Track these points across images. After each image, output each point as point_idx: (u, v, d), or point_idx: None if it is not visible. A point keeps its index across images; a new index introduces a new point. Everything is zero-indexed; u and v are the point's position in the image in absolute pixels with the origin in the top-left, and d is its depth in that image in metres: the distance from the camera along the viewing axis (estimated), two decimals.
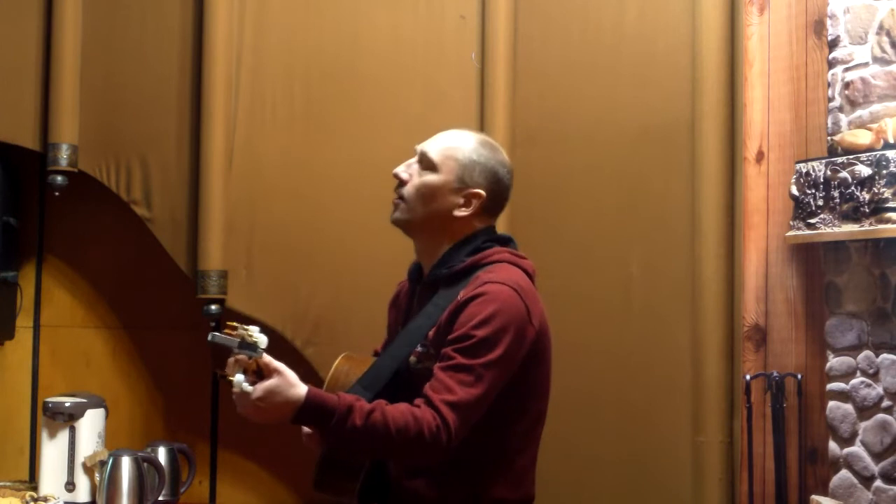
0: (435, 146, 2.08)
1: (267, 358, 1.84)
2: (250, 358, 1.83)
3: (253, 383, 1.83)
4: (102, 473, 3.00)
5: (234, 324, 1.87)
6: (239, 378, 1.82)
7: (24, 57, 3.28)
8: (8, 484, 3.33)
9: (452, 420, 1.84)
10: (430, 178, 2.05)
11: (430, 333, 1.98)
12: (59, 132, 3.24)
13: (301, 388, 1.84)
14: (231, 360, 1.85)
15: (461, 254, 2.04)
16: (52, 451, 3.12)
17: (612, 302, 3.11)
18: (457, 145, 2.07)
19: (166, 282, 3.36)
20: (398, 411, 1.84)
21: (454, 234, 2.06)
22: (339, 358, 2.10)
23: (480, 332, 1.89)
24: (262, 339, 1.85)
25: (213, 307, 3.19)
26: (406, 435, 1.82)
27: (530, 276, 2.05)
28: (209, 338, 1.84)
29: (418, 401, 1.87)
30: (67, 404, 3.13)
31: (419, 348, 1.99)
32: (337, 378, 2.05)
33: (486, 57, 3.18)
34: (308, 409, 1.83)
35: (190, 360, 3.45)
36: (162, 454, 3.14)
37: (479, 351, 1.89)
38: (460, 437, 1.87)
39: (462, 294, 1.96)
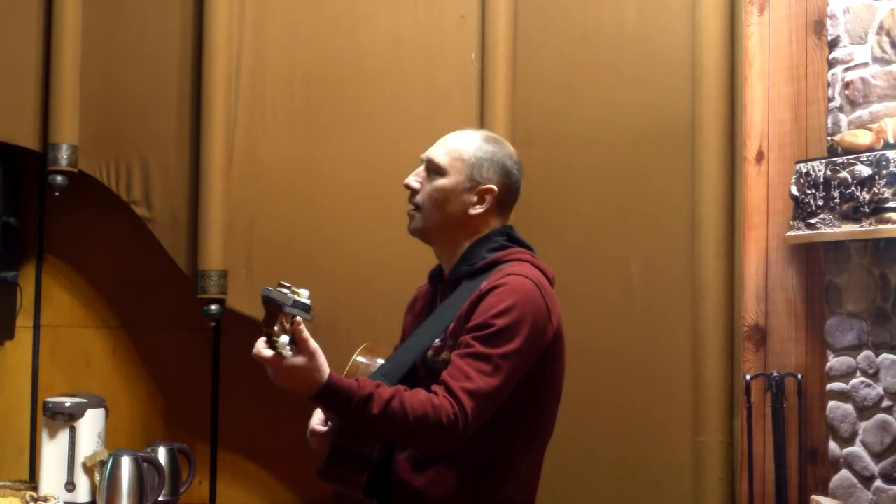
0: (440, 150, 2.08)
1: (306, 334, 1.82)
2: (294, 318, 1.80)
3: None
4: (102, 473, 3.00)
5: (288, 283, 1.83)
6: (284, 339, 1.80)
7: (24, 57, 3.28)
8: (8, 484, 3.33)
9: (470, 408, 1.84)
10: (441, 182, 2.05)
11: (450, 327, 1.98)
12: (59, 132, 3.24)
13: (325, 375, 1.83)
14: (278, 321, 1.81)
15: (482, 250, 2.04)
16: (52, 451, 3.12)
17: (612, 302, 3.11)
18: (461, 146, 2.07)
19: (166, 282, 3.36)
20: (417, 399, 1.84)
21: (472, 232, 2.07)
22: (360, 348, 2.12)
23: (500, 322, 1.89)
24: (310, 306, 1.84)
25: (213, 307, 3.19)
26: (424, 423, 1.82)
27: (549, 281, 2.06)
28: (263, 292, 1.82)
29: (436, 387, 1.87)
30: (67, 404, 3.13)
31: (437, 342, 1.99)
32: (357, 366, 2.06)
33: (486, 57, 3.18)
34: (327, 394, 1.83)
35: (190, 360, 3.45)
36: (162, 454, 3.14)
37: (498, 340, 1.89)
38: (476, 425, 1.87)
39: (484, 284, 1.96)
